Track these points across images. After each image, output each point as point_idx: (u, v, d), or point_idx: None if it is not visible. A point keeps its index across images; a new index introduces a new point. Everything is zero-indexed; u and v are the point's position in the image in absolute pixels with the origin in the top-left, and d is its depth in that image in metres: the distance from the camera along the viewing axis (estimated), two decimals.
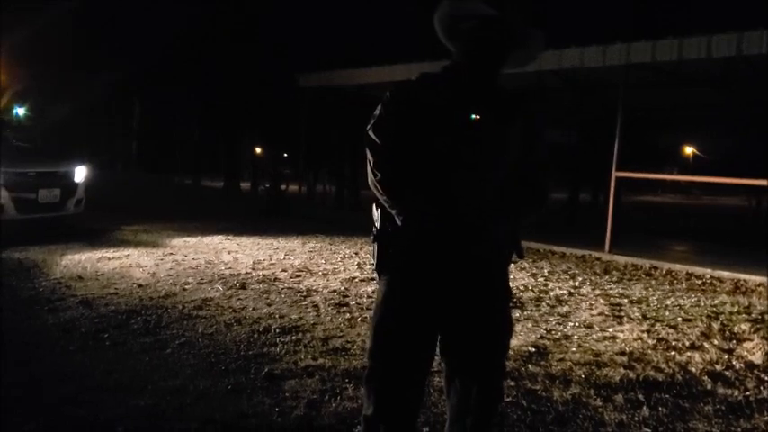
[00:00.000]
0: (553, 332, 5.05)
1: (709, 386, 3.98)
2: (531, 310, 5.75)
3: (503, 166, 2.18)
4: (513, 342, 4.64)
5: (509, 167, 2.19)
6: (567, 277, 7.64)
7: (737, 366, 4.39)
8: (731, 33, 8.20)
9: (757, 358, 4.59)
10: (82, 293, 5.60)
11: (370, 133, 2.16)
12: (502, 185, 2.18)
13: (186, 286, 6.10)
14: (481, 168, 2.14)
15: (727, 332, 5.31)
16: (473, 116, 2.12)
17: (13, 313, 4.94)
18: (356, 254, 8.66)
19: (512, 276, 6.87)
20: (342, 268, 7.48)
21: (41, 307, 5.14)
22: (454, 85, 2.16)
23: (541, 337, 4.87)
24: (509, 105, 2.21)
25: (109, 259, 7.36)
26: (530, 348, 4.54)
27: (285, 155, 30.72)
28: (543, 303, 6.07)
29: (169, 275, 6.58)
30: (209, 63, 23.40)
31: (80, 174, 9.75)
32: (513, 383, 3.81)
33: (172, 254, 7.97)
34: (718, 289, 7.39)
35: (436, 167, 2.12)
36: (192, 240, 9.35)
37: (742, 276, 7.97)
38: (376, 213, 2.23)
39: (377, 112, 2.18)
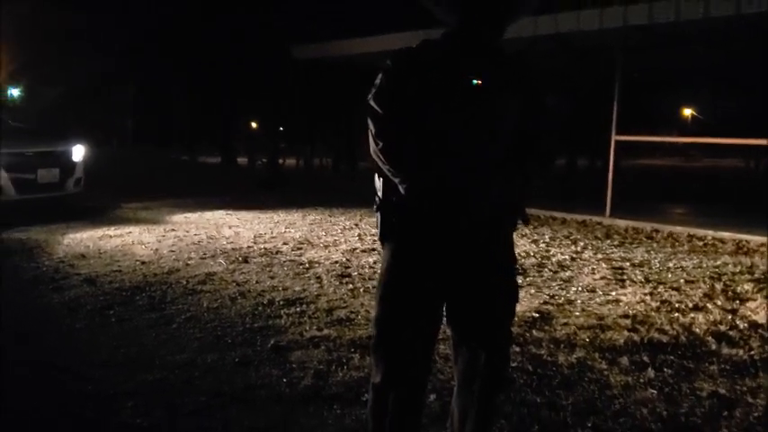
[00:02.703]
0: (556, 297, 5.07)
1: (713, 347, 4.01)
2: (534, 276, 5.77)
3: (506, 130, 2.17)
4: (517, 308, 4.65)
5: (513, 132, 2.17)
6: (569, 242, 7.65)
7: (741, 326, 4.42)
8: None
9: (761, 318, 4.61)
10: (85, 272, 5.61)
11: (372, 102, 2.13)
12: (506, 150, 2.17)
13: (189, 262, 6.11)
14: (484, 133, 2.12)
15: (731, 293, 5.33)
16: (475, 81, 2.10)
17: (18, 293, 4.96)
18: (356, 225, 8.66)
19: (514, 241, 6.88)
20: (342, 240, 7.48)
21: (46, 286, 5.15)
22: (455, 51, 2.14)
23: (545, 303, 4.89)
24: (511, 70, 2.19)
25: (111, 237, 7.36)
26: (533, 314, 4.56)
27: (281, 128, 30.61)
28: (545, 269, 6.09)
29: (171, 251, 6.58)
30: (202, 36, 23.16)
31: (78, 152, 9.70)
32: (518, 349, 3.83)
33: (173, 230, 7.97)
34: (720, 250, 7.41)
35: (439, 134, 2.11)
36: (192, 216, 9.35)
37: (744, 237, 7.98)
38: (378, 182, 2.21)
39: (377, 80, 2.16)
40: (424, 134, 2.11)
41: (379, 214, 2.21)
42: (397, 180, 2.11)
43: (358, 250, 6.80)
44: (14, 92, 28.22)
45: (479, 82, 2.10)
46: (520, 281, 5.48)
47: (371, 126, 2.14)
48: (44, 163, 9.00)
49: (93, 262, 6.03)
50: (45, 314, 4.44)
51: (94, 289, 5.04)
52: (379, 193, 2.21)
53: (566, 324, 4.38)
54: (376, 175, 2.22)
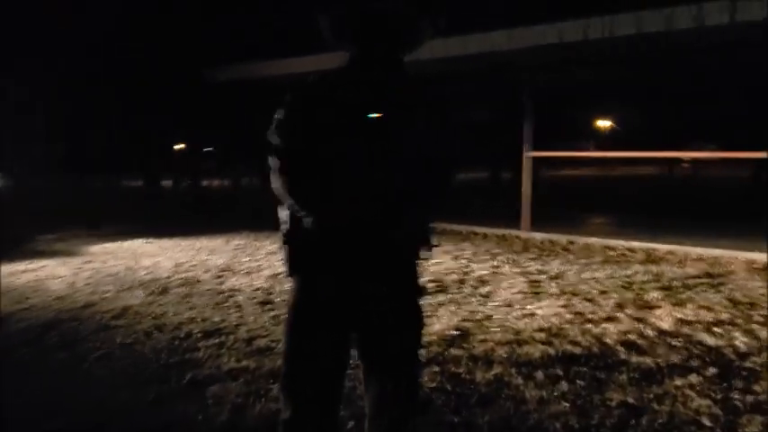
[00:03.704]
0: (475, 313, 5.16)
1: (623, 356, 4.16)
2: (454, 293, 5.86)
3: (409, 159, 2.19)
4: (437, 326, 4.73)
5: (416, 159, 2.20)
6: (489, 257, 7.81)
7: (649, 334, 4.60)
8: (632, 13, 8.50)
9: (667, 324, 4.82)
10: None
11: (271, 138, 2.13)
12: (409, 177, 2.19)
13: (105, 295, 5.92)
14: (387, 164, 2.14)
15: (640, 301, 5.55)
16: (373, 115, 2.12)
17: None
18: (281, 249, 8.57)
19: (435, 260, 6.98)
20: (266, 265, 7.41)
21: None
22: (351, 82, 2.15)
23: (464, 320, 4.97)
24: (412, 97, 2.20)
25: (22, 272, 7.06)
26: (453, 332, 4.63)
27: (209, 149, 30.08)
28: (466, 285, 6.19)
29: (87, 284, 6.37)
30: (116, 58, 22.61)
31: None
32: (437, 368, 3.88)
33: (90, 261, 7.72)
34: (631, 259, 7.70)
35: (341, 167, 2.12)
36: (111, 246, 9.07)
37: (652, 245, 8.33)
38: (283, 214, 2.21)
39: (277, 115, 2.16)
40: (326, 167, 2.12)
41: (286, 246, 2.21)
42: (302, 214, 2.12)
43: (282, 275, 6.74)
44: None
45: (378, 115, 2.13)
46: (440, 298, 5.57)
47: (272, 162, 2.13)
48: None
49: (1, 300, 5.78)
50: None
51: (0, 330, 4.82)
52: (285, 225, 2.21)
53: (484, 340, 4.46)
54: (279, 208, 2.21)
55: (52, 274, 6.93)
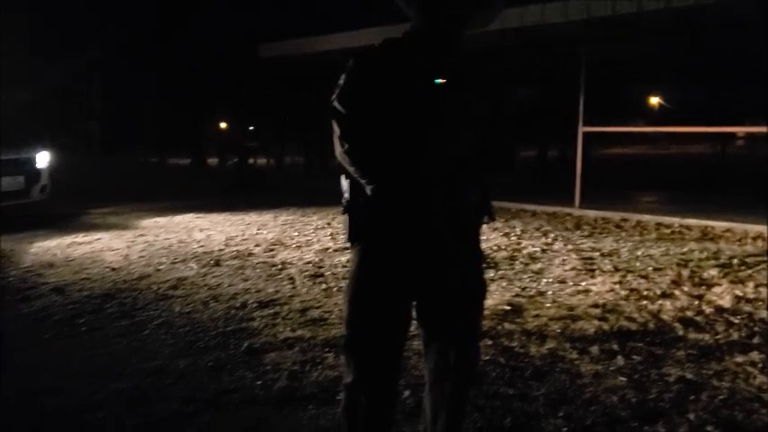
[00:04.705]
0: (527, 289, 5.12)
1: (680, 332, 4.09)
2: (505, 269, 5.82)
3: (470, 129, 2.17)
4: (489, 302, 4.70)
5: (477, 131, 2.18)
6: (540, 234, 7.73)
7: (707, 311, 4.51)
8: None
9: (726, 302, 4.71)
10: (54, 281, 5.53)
11: (335, 104, 2.13)
12: (470, 149, 2.17)
13: (160, 267, 6.05)
14: (449, 132, 2.13)
15: (697, 279, 5.43)
16: (438, 80, 2.11)
17: None
18: (328, 224, 8.65)
19: (485, 237, 6.94)
20: (315, 239, 7.47)
21: (13, 297, 5.06)
22: (417, 50, 2.14)
23: (516, 295, 4.94)
24: (474, 68, 2.20)
25: (79, 244, 7.26)
26: (505, 307, 4.61)
27: (251, 128, 30.38)
28: (517, 262, 6.15)
29: (142, 257, 6.52)
30: (170, 37, 22.91)
31: (43, 159, 9.55)
32: (490, 342, 3.87)
33: (143, 235, 7.89)
34: (686, 237, 7.54)
35: (404, 134, 2.11)
36: (162, 220, 9.26)
37: (709, 223, 8.13)
38: (345, 184, 2.21)
39: (341, 81, 2.15)
40: (390, 134, 2.11)
41: (346, 216, 2.21)
42: (363, 181, 2.11)
43: (330, 250, 6.80)
44: None
45: (443, 81, 2.11)
46: (491, 274, 5.53)
47: (336, 128, 2.13)
48: (8, 171, 8.83)
49: (61, 270, 5.95)
50: (12, 326, 4.36)
51: (63, 298, 4.98)
52: (346, 195, 2.21)
53: (537, 316, 4.43)
54: (342, 177, 2.21)
55: (107, 247, 7.10)
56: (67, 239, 7.54)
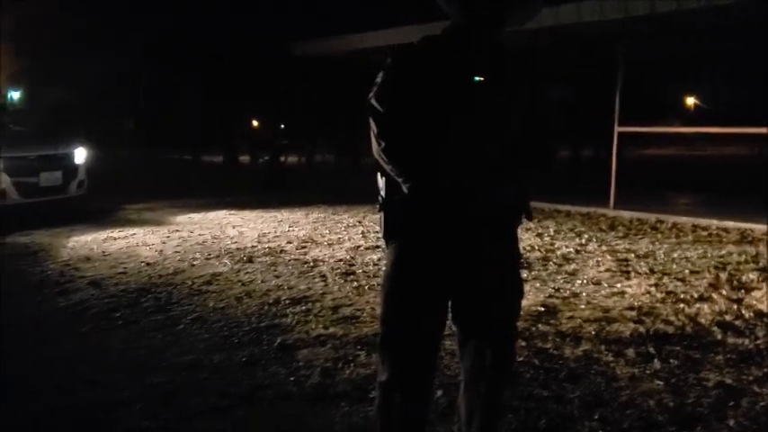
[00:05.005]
0: (561, 290, 5.07)
1: (719, 336, 4.00)
2: (539, 270, 5.76)
3: (509, 127, 2.15)
4: (523, 302, 4.65)
5: (515, 129, 2.16)
6: (573, 235, 7.65)
7: (747, 316, 4.41)
8: None
9: (766, 307, 4.60)
10: (90, 274, 5.62)
11: (373, 101, 2.12)
12: (508, 148, 2.15)
13: (194, 262, 6.12)
14: (487, 131, 2.11)
15: (736, 282, 5.32)
16: (477, 78, 2.09)
17: (23, 297, 4.97)
18: (359, 222, 8.66)
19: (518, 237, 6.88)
20: (346, 237, 7.48)
21: (51, 290, 5.16)
22: (456, 48, 2.12)
23: (550, 296, 4.89)
24: (512, 66, 2.17)
25: (115, 239, 7.37)
26: (539, 308, 4.56)
27: (282, 126, 30.52)
28: (550, 262, 6.08)
29: (176, 252, 6.59)
30: (203, 35, 23.13)
31: (80, 155, 9.71)
32: (524, 343, 3.83)
33: (177, 231, 7.98)
34: (724, 239, 7.39)
35: (441, 132, 2.10)
36: (196, 216, 9.36)
37: (748, 226, 7.96)
38: (381, 182, 2.21)
39: (378, 79, 2.14)
40: (427, 132, 2.10)
41: (382, 214, 2.21)
42: (400, 180, 2.10)
43: (362, 248, 6.80)
44: (15, 95, 28.22)
45: (482, 78, 2.09)
46: (525, 275, 5.48)
47: (373, 126, 2.13)
48: (46, 166, 9.00)
49: (97, 264, 6.05)
50: (51, 318, 4.45)
51: (100, 292, 5.06)
52: (383, 192, 2.20)
53: (571, 317, 4.38)
54: (378, 174, 2.21)
55: (142, 242, 7.20)
56: (103, 234, 7.66)
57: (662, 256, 6.43)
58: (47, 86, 25.32)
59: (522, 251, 6.40)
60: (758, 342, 3.89)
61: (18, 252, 6.65)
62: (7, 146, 8.72)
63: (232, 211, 9.84)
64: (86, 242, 7.19)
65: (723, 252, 6.59)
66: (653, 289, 5.12)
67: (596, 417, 2.93)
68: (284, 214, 9.56)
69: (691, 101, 28.78)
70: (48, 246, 6.98)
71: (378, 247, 6.70)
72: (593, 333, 4.06)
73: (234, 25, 22.20)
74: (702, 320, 4.31)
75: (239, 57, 22.51)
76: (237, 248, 6.79)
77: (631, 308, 4.60)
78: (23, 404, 3.10)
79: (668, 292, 5.01)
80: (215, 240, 7.30)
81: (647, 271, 5.75)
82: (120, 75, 26.98)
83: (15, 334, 4.09)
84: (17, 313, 4.53)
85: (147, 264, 6.06)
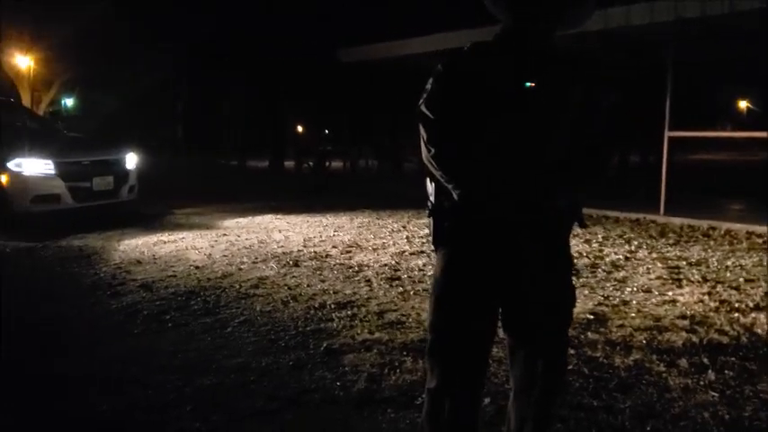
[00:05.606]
0: (611, 298, 4.98)
1: None
2: (588, 277, 5.67)
3: (562, 133, 2.12)
4: None
5: (568, 135, 2.13)
6: (623, 242, 7.51)
7: None
8: None
9: None
10: (141, 277, 5.74)
11: (423, 108, 2.11)
12: (562, 153, 2.12)
13: (241, 266, 6.20)
14: (539, 137, 2.09)
15: None
16: (528, 84, 2.06)
17: (77, 299, 5.11)
18: (404, 227, 8.65)
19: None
20: (391, 242, 7.49)
21: (103, 292, 5.29)
22: (507, 53, 2.10)
23: (599, 304, 4.81)
24: (565, 71, 2.14)
25: (165, 243, 7.51)
26: (588, 315, 4.49)
27: (327, 131, 30.77)
28: (599, 269, 5.98)
29: (224, 256, 6.69)
30: (251, 42, 23.47)
31: (131, 160, 9.94)
32: (573, 351, 3.77)
33: (225, 235, 8.10)
34: None
35: (492, 139, 2.08)
36: (243, 221, 9.48)
37: None
38: (430, 187, 2.20)
39: (428, 86, 2.14)
40: (478, 139, 2.09)
41: (431, 219, 2.20)
42: (450, 186, 2.09)
43: (407, 253, 6.79)
44: (69, 101, 29.06)
45: (533, 84, 2.07)
46: (573, 282, 5.39)
47: (423, 132, 2.12)
48: (99, 171, 9.24)
49: (148, 268, 6.17)
50: (103, 320, 4.56)
51: (150, 294, 5.16)
52: (432, 198, 2.20)
53: (621, 326, 4.30)
54: (428, 180, 2.20)
55: (191, 245, 7.32)
56: (153, 238, 7.82)
57: (715, 263, 6.27)
58: (100, 93, 26.03)
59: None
60: None
61: (72, 255, 6.84)
62: (61, 151, 8.99)
63: (278, 216, 9.93)
64: (137, 245, 7.34)
65: None
66: (706, 297, 4.99)
67: (648, 428, 2.87)
68: (329, 219, 9.61)
69: (743, 104, 28.04)
70: (100, 249, 7.15)
71: (423, 252, 6.68)
72: (643, 342, 3.98)
73: (281, 30, 22.48)
74: (759, 331, 4.19)
75: (286, 62, 22.78)
76: (284, 253, 6.86)
77: (683, 317, 4.49)
78: (77, 404, 3.18)
79: (722, 301, 4.87)
80: (262, 244, 7.38)
81: (700, 279, 5.61)
82: (170, 81, 27.56)
83: (70, 335, 4.20)
84: (71, 315, 4.66)
85: (196, 267, 6.16)
